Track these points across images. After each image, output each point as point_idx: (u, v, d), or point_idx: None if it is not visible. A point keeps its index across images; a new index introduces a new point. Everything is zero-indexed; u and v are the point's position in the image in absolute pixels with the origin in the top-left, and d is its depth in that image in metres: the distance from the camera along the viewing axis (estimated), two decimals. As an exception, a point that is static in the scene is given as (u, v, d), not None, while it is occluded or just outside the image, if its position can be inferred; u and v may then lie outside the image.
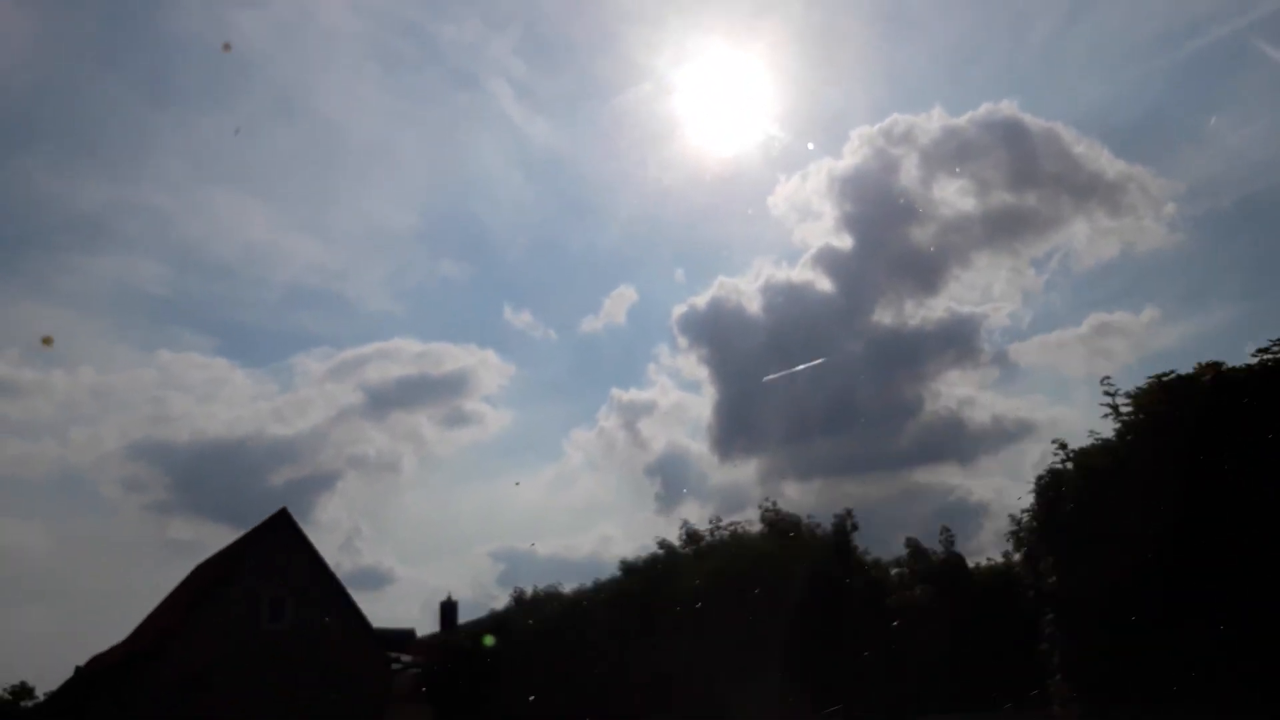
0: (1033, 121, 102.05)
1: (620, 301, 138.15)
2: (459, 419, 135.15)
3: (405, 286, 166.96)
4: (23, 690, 58.28)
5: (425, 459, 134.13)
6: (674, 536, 29.55)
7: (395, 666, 39.96)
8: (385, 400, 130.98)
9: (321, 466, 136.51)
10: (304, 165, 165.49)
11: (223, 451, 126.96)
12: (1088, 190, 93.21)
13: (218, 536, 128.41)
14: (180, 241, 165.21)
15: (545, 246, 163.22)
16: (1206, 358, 14.65)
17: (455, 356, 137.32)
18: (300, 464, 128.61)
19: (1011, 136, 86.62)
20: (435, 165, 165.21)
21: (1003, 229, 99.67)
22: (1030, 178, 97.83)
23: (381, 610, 77.66)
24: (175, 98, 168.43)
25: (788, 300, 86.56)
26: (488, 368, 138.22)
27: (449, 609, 47.54)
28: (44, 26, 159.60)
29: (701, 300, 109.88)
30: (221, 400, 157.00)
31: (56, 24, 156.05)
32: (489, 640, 33.04)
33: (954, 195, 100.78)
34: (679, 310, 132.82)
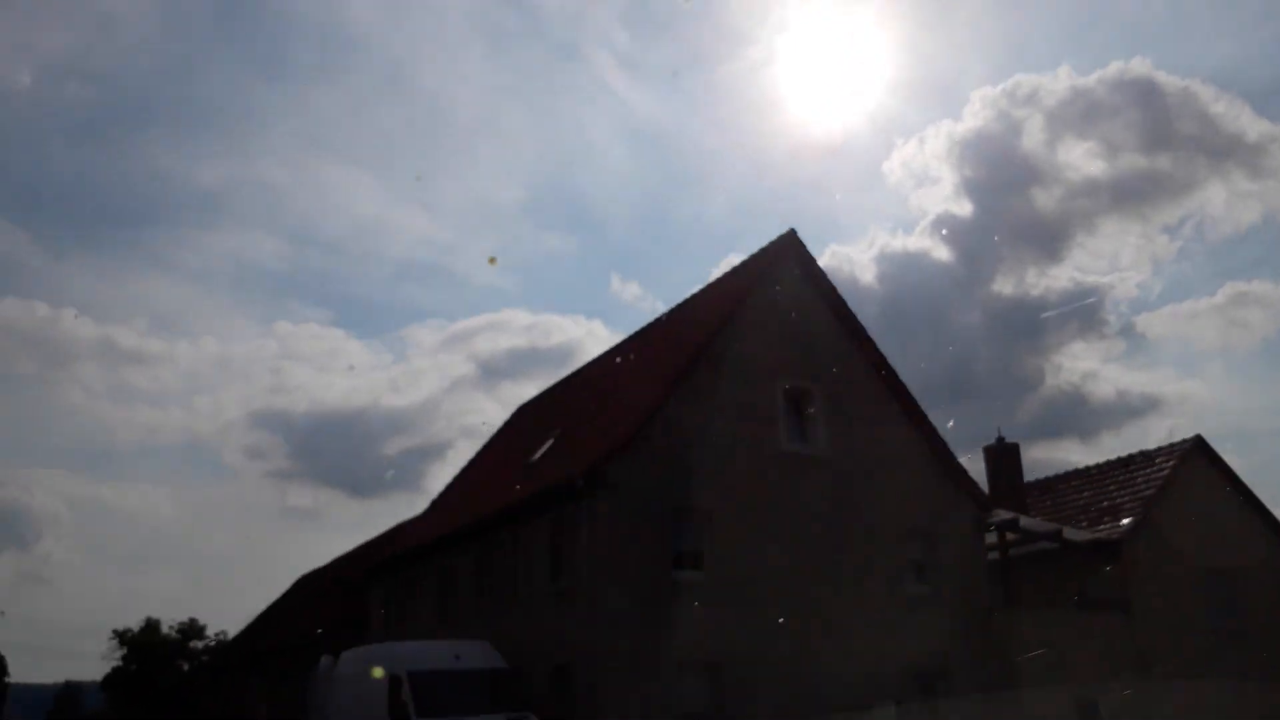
0: (1167, 80, 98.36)
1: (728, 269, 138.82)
2: None
3: (512, 260, 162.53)
4: (192, 629, 60.59)
5: None
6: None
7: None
8: (495, 371, 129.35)
9: (434, 436, 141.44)
10: (412, 140, 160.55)
11: (339, 421, 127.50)
12: (1226, 152, 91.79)
13: (335, 504, 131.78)
14: (295, 217, 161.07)
15: (651, 218, 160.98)
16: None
17: (563, 328, 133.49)
18: (413, 433, 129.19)
19: (1143, 96, 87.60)
20: (540, 138, 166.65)
21: (1133, 194, 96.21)
22: (1163, 139, 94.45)
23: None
24: (289, 76, 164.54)
25: (903, 269, 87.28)
26: (595, 338, 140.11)
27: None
28: (163, 9, 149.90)
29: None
30: (338, 371, 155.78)
31: (175, 6, 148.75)
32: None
33: (1081, 158, 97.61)
34: None
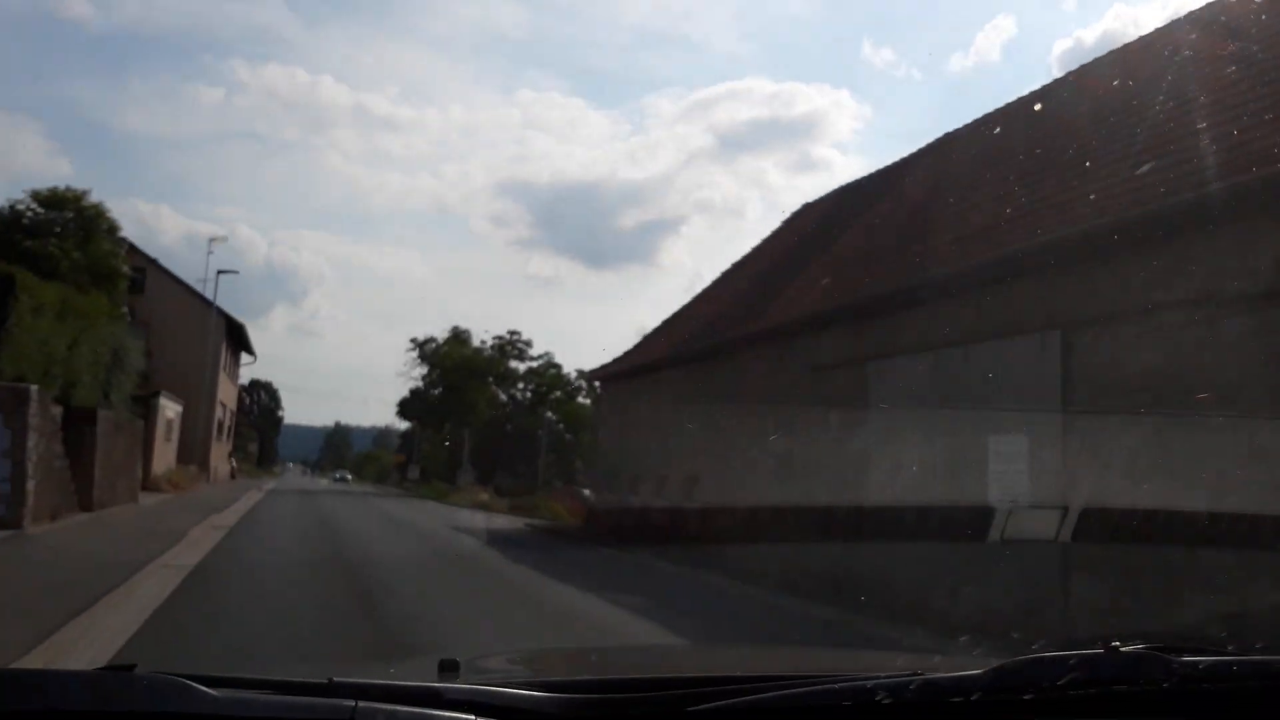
0: None
1: (995, 35, 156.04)
2: (807, 165, 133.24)
3: (754, 24, 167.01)
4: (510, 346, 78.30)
5: (770, 205, 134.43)
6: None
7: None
8: (734, 143, 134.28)
9: (668, 210, 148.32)
10: None
11: (579, 192, 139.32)
12: None
13: (574, 274, 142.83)
14: None
15: None
16: None
17: (808, 97, 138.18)
18: (648, 206, 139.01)
19: None
20: None
21: None
22: None
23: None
24: None
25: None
26: (841, 110, 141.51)
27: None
28: None
29: (1091, 35, 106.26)
30: (579, 140, 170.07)
31: None
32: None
33: None
34: (1062, 45, 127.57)
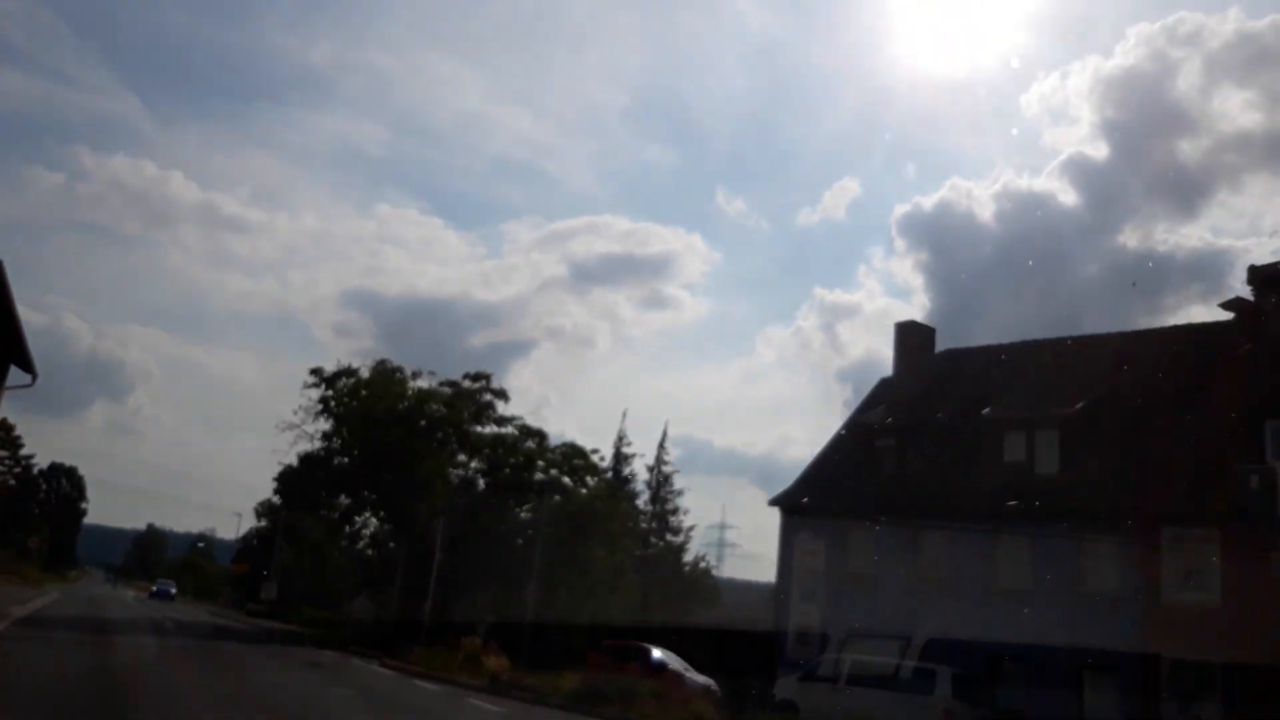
0: None
1: (842, 195, 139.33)
2: (657, 302, 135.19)
3: (612, 166, 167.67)
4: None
5: (619, 338, 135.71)
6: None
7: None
8: (588, 275, 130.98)
9: (520, 333, 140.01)
10: (519, 36, 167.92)
11: (430, 308, 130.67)
12: None
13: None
14: (399, 105, 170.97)
15: (760, 135, 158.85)
16: None
17: (662, 238, 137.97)
18: (501, 328, 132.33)
19: None
20: (649, 45, 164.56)
21: None
22: None
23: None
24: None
25: (1025, 211, 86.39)
26: (693, 253, 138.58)
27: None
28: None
29: (929, 201, 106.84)
30: (433, 258, 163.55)
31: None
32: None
33: (1237, 108, 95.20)
34: (901, 210, 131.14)
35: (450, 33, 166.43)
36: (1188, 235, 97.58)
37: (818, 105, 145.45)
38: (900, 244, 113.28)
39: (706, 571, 55.16)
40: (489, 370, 43.25)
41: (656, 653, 28.64)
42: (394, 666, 27.52)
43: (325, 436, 42.16)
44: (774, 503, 32.75)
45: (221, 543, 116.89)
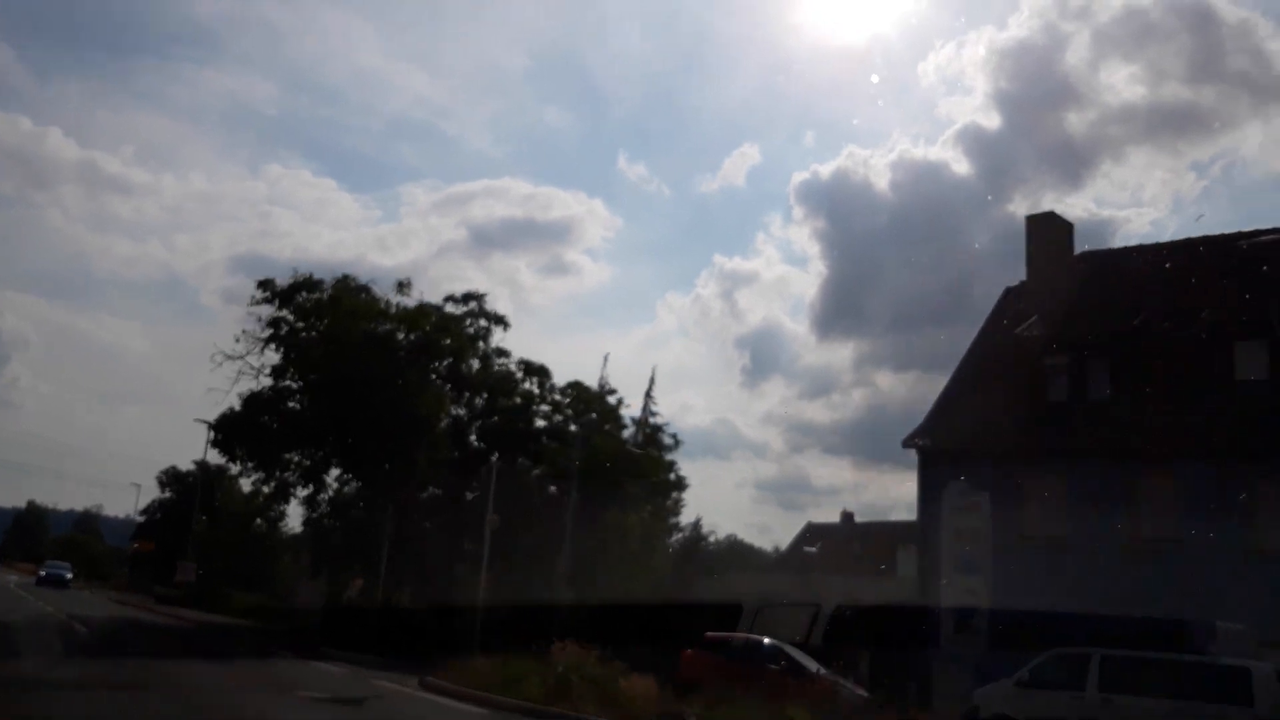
0: (1229, 9, 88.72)
1: (742, 162, 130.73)
2: (558, 268, 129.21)
3: (512, 129, 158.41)
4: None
5: (521, 304, 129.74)
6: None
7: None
8: (488, 240, 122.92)
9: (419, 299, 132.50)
10: None
11: (324, 272, 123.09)
12: (1273, 92, 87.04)
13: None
14: (291, 62, 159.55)
15: (662, 99, 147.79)
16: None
17: (564, 203, 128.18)
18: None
19: (1201, 22, 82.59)
20: (549, 5, 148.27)
21: (1169, 125, 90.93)
22: (1212, 71, 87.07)
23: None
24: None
25: (919, 179, 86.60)
26: (595, 218, 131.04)
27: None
28: None
29: (826, 169, 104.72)
30: (327, 221, 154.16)
31: None
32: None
33: (1122, 82, 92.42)
34: (800, 177, 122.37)
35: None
36: (1073, 205, 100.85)
37: (719, 72, 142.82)
38: (798, 211, 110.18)
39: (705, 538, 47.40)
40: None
41: (771, 644, 20.73)
42: (459, 691, 17.85)
43: (276, 372, 32.76)
44: (908, 444, 24.81)
45: (110, 520, 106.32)
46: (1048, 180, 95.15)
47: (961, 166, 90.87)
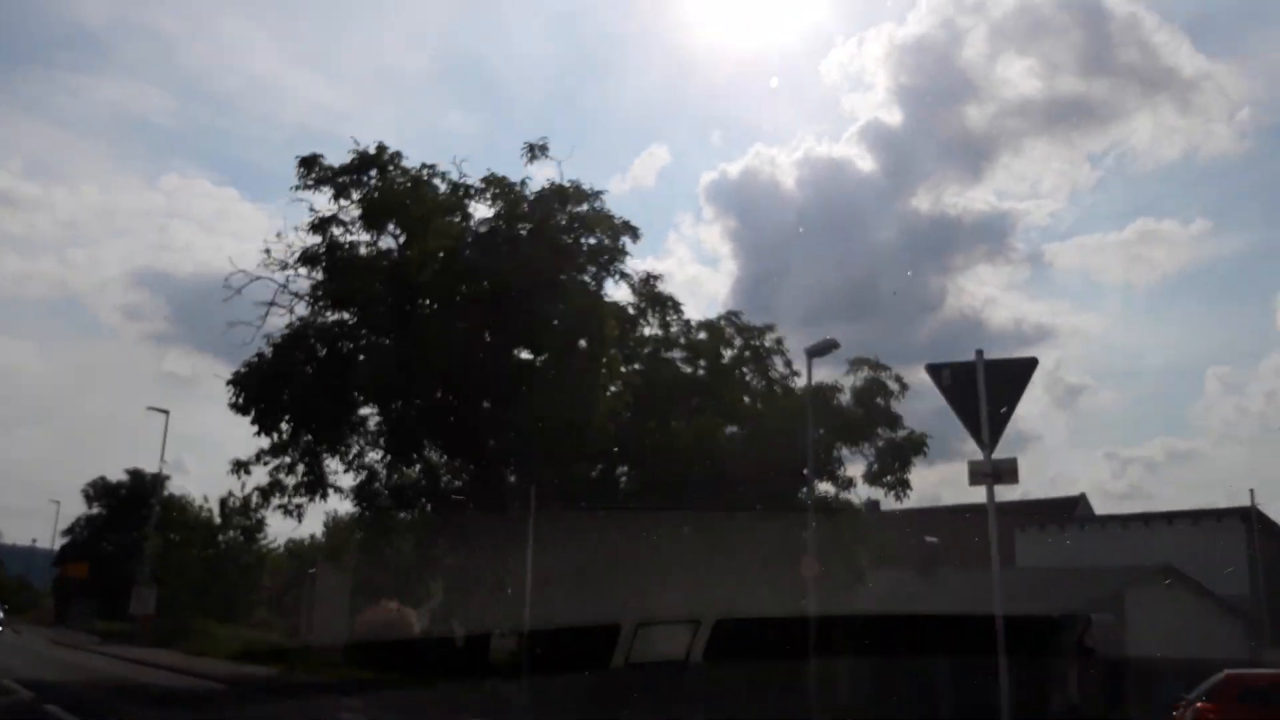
0: (1118, 3, 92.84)
1: (651, 162, 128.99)
2: None
3: (414, 132, 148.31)
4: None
5: None
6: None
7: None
8: None
9: None
10: None
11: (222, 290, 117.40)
12: (1160, 83, 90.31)
13: (216, 373, 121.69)
14: (185, 70, 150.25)
15: (567, 101, 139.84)
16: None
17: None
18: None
19: (1090, 16, 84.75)
20: (449, 7, 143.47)
21: (1064, 118, 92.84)
22: (1102, 64, 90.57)
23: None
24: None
25: (824, 176, 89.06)
26: None
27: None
28: None
29: (734, 168, 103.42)
30: (229, 233, 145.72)
31: None
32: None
33: (1019, 75, 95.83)
34: (709, 176, 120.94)
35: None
36: (974, 199, 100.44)
37: (622, 72, 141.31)
38: (708, 211, 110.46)
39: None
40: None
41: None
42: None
43: (314, 297, 22.23)
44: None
45: (9, 550, 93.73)
46: (950, 174, 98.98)
47: (866, 163, 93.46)
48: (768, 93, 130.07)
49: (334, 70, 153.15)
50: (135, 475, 60.80)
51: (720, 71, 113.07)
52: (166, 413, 40.66)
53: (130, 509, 59.33)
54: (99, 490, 61.47)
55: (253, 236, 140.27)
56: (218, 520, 48.06)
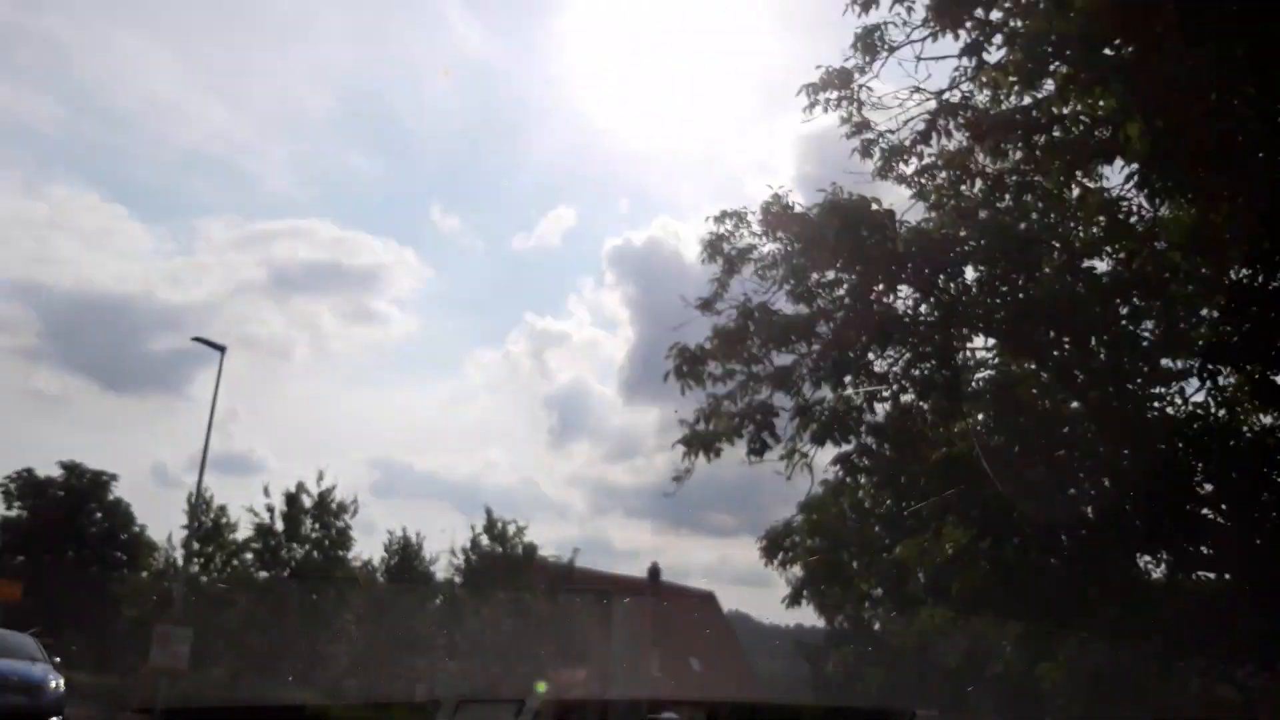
0: None
1: (558, 223, 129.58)
2: (364, 315, 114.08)
3: (315, 171, 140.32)
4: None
5: (320, 351, 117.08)
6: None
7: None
8: (289, 282, 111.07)
9: (210, 339, 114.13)
10: (218, 23, 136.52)
11: (106, 305, 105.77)
12: None
13: (87, 395, 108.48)
14: (78, 81, 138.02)
15: (473, 155, 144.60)
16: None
17: (372, 249, 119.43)
18: (186, 332, 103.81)
19: None
20: (356, 49, 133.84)
21: None
22: None
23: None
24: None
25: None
26: (404, 267, 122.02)
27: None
28: None
29: (639, 237, 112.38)
30: (113, 250, 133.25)
31: None
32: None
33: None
34: (613, 242, 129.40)
35: (142, 9, 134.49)
36: None
37: (532, 133, 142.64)
38: (610, 276, 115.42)
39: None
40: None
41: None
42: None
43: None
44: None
45: None
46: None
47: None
48: (677, 165, 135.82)
49: (235, 99, 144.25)
50: (72, 470, 50.09)
51: (630, 142, 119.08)
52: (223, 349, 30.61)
53: (72, 514, 48.89)
54: (25, 488, 50.19)
55: (137, 256, 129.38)
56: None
